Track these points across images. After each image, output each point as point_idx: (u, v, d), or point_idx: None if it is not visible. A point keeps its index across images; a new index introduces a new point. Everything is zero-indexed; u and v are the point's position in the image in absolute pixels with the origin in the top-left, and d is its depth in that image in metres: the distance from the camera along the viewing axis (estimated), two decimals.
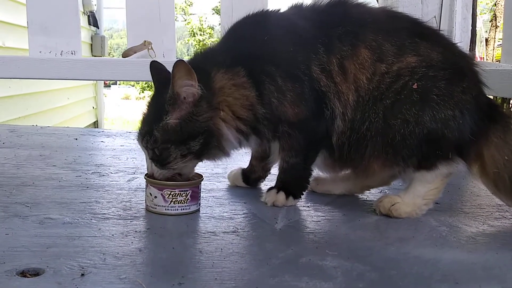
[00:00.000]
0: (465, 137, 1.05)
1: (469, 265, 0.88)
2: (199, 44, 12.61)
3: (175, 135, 1.04)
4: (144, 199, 1.11)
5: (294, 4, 1.20)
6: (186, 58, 1.16)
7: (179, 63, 1.02)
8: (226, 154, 1.12)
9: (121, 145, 1.93)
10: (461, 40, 1.80)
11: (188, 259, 0.85)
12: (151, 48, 1.77)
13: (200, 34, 12.89)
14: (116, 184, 1.32)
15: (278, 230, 1.01)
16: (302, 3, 1.20)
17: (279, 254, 0.88)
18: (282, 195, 1.14)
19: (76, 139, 2.01)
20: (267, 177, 1.33)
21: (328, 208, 1.17)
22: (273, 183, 1.21)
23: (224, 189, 1.30)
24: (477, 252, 0.94)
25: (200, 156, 1.08)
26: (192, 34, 13.14)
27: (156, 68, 1.13)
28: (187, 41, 14.36)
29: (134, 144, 1.97)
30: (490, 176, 1.08)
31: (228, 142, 1.09)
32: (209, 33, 12.89)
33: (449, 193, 1.30)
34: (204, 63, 1.11)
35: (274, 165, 1.27)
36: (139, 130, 1.10)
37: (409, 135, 1.04)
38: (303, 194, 1.18)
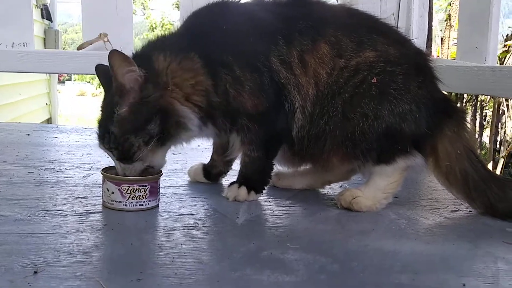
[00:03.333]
0: (421, 131, 1.07)
1: (427, 256, 0.89)
2: None
3: (130, 123, 1.02)
4: (101, 195, 1.08)
5: None
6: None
7: (112, 53, 1.00)
8: (189, 130, 1.07)
9: (76, 141, 1.87)
10: (418, 37, 1.84)
11: (147, 255, 0.83)
12: (107, 40, 1.72)
13: (160, 30, 12.70)
14: (71, 180, 1.28)
15: (239, 225, 1.00)
16: None
17: (240, 248, 0.87)
18: (243, 190, 1.13)
19: (29, 134, 1.93)
20: (228, 172, 1.32)
21: (289, 203, 1.17)
22: (234, 178, 1.19)
23: (184, 185, 1.28)
24: (435, 243, 0.96)
25: (164, 140, 1.05)
26: (152, 29, 12.93)
27: (101, 70, 1.11)
28: (145, 36, 14.14)
29: (90, 139, 1.92)
30: (443, 169, 1.11)
31: (186, 118, 1.06)
32: (169, 29, 12.72)
33: (407, 187, 1.32)
34: (148, 49, 1.10)
35: (235, 160, 1.26)
36: (98, 134, 1.06)
37: (368, 129, 1.05)
38: (264, 189, 1.17)
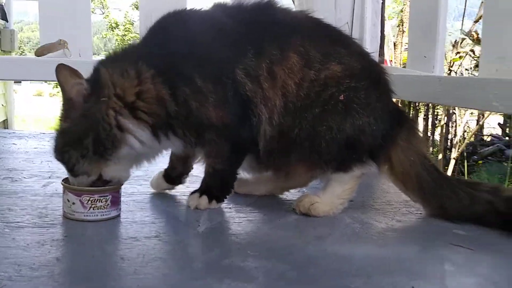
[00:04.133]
0: (377, 142, 1.13)
1: (380, 259, 0.94)
2: (118, 39, 12.23)
3: (69, 137, 1.04)
4: (62, 205, 1.08)
5: (217, 3, 1.20)
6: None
7: (60, 67, 1.01)
8: (134, 147, 1.06)
9: (35, 148, 1.85)
10: (371, 45, 1.91)
11: (109, 267, 0.84)
12: (67, 47, 1.70)
13: (120, 29, 12.48)
14: (31, 189, 1.27)
15: (200, 233, 1.02)
16: (226, 3, 1.21)
17: (201, 257, 0.89)
18: (204, 199, 1.15)
19: None
20: (190, 172, 1.31)
21: (249, 209, 1.20)
22: (197, 179, 1.21)
23: (145, 193, 1.29)
24: (387, 246, 1.01)
25: (104, 154, 1.04)
26: (111, 28, 12.70)
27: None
28: (104, 36, 13.87)
29: (48, 146, 1.88)
30: (399, 176, 1.17)
31: (128, 131, 1.05)
32: (129, 28, 12.52)
33: (361, 191, 1.37)
34: (100, 61, 1.11)
35: (196, 161, 1.27)
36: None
37: (332, 140, 1.10)
38: (226, 197, 1.19)
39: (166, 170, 1.28)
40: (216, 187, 1.17)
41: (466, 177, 6.39)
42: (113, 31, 12.58)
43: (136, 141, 1.06)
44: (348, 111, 1.10)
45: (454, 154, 3.70)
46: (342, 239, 1.04)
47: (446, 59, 4.56)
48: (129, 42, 12.33)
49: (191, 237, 1.01)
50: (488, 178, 7.44)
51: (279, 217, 1.16)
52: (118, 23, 12.36)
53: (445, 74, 3.80)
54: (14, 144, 1.89)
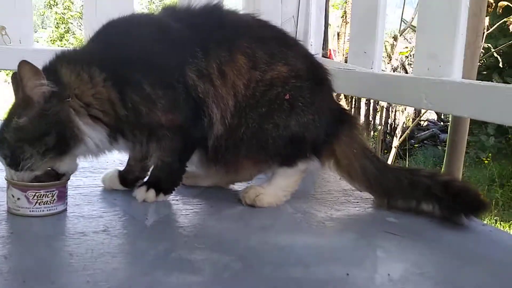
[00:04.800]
0: (320, 138, 1.21)
1: (317, 248, 1.01)
2: (57, 18, 11.71)
3: (27, 133, 1.03)
4: (6, 200, 1.07)
5: (166, 6, 1.22)
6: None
7: (23, 64, 1.01)
8: (87, 144, 1.09)
9: None
10: (315, 39, 1.98)
11: (58, 263, 0.86)
12: (5, 33, 1.65)
13: (59, 7, 11.95)
14: None
15: (148, 227, 1.05)
16: (175, 7, 1.22)
17: (150, 251, 0.92)
18: (152, 192, 1.17)
19: None
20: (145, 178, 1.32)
21: (196, 201, 1.23)
22: None
23: (92, 185, 1.29)
24: (324, 236, 1.08)
25: (64, 151, 1.06)
26: (49, 6, 12.14)
27: (15, 78, 1.09)
28: (42, 13, 13.24)
29: None
30: (344, 168, 1.25)
31: (83, 131, 1.07)
32: (68, 6, 12.01)
33: (304, 180, 1.44)
34: (55, 62, 1.11)
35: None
36: None
37: (278, 137, 1.16)
38: (174, 190, 1.22)
39: (121, 172, 1.29)
40: (164, 180, 1.20)
41: (406, 160, 6.71)
42: (51, 8, 12.04)
43: (92, 141, 1.09)
44: (293, 109, 1.16)
45: (396, 142, 3.88)
46: (284, 229, 1.10)
47: (392, 53, 4.74)
48: (69, 21, 11.89)
49: (139, 230, 1.03)
50: (424, 161, 7.83)
51: (225, 208, 1.20)
52: (57, 1, 11.83)
53: (388, 69, 3.98)
54: None
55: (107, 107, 1.08)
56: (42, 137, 1.03)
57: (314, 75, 1.23)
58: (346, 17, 4.17)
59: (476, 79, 1.51)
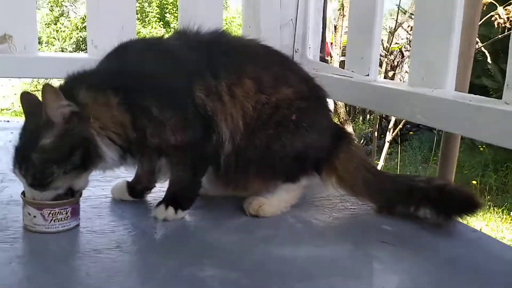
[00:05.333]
0: (322, 155, 1.28)
1: (319, 260, 1.07)
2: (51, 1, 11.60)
3: (54, 153, 1.08)
4: (22, 218, 1.13)
5: (177, 30, 1.27)
6: None
7: (46, 88, 1.06)
8: (105, 162, 1.15)
9: None
10: (313, 41, 2.02)
11: (77, 283, 0.92)
12: (12, 42, 1.69)
13: None
14: None
15: (158, 241, 1.12)
16: (186, 31, 1.28)
17: (161, 268, 0.98)
18: (171, 210, 1.22)
19: None
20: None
21: (201, 213, 1.28)
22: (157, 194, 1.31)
23: (101, 196, 1.35)
24: (325, 247, 1.14)
25: (86, 168, 1.12)
26: None
27: (26, 98, 1.15)
28: None
29: None
30: (346, 183, 1.33)
31: (103, 151, 1.13)
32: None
33: None
34: (72, 84, 1.15)
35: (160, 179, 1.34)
36: (15, 160, 1.11)
37: (284, 157, 1.24)
38: (191, 205, 1.26)
39: (129, 182, 1.34)
40: (180, 196, 1.24)
41: (399, 145, 6.77)
42: None
43: (110, 159, 1.14)
44: (298, 129, 1.24)
45: (389, 137, 3.95)
46: (286, 241, 1.16)
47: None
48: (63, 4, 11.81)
49: (149, 246, 1.10)
50: (419, 146, 7.91)
51: (229, 219, 1.26)
52: None
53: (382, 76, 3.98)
54: None
55: (120, 130, 1.13)
56: (69, 157, 1.08)
57: (315, 97, 1.30)
58: (343, 9, 4.19)
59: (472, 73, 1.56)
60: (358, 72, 1.73)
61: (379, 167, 4.03)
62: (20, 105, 1.16)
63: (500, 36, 3.35)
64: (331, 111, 1.37)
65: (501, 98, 1.16)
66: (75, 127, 1.08)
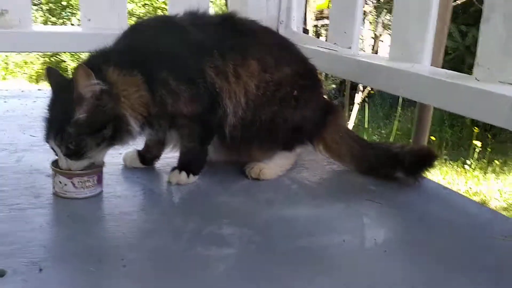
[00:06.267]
0: (315, 127, 1.45)
1: (316, 219, 1.23)
2: None
3: (88, 127, 1.19)
4: (52, 185, 1.25)
5: (187, 11, 1.38)
6: None
7: (79, 67, 1.17)
8: (133, 137, 1.28)
9: None
10: (297, 15, 2.14)
11: (118, 242, 1.05)
12: (8, 17, 1.74)
13: None
14: (7, 166, 1.40)
15: (176, 204, 1.26)
16: (196, 12, 1.38)
17: (185, 228, 1.13)
18: (184, 175, 1.36)
19: None
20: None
21: (208, 177, 1.42)
22: (165, 161, 1.44)
23: (114, 164, 1.46)
24: (320, 207, 1.31)
25: (112, 142, 1.24)
26: None
27: (52, 73, 1.25)
28: None
29: None
30: (333, 150, 1.51)
31: (132, 126, 1.25)
32: None
33: None
34: (100, 62, 1.25)
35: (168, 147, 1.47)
36: (48, 131, 1.21)
37: (285, 129, 1.40)
38: (201, 171, 1.40)
39: (140, 151, 1.47)
40: (191, 163, 1.38)
41: (366, 104, 7.03)
42: None
43: (134, 132, 1.26)
44: (298, 104, 1.39)
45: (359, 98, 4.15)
46: (286, 202, 1.33)
47: None
48: None
49: (171, 208, 1.24)
50: (381, 103, 8.21)
51: (233, 183, 1.41)
52: None
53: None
54: None
55: (145, 107, 1.26)
56: (101, 130, 1.20)
57: (310, 75, 1.46)
58: None
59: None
60: (340, 45, 1.88)
61: (350, 125, 4.26)
62: (47, 78, 1.25)
63: None
64: (322, 88, 1.52)
65: (459, 58, 1.33)
66: (105, 104, 1.20)
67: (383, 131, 7.51)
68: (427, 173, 1.45)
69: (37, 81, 11.00)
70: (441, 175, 5.70)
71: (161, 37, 1.31)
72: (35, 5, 11.84)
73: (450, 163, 6.09)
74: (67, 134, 1.18)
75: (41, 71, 11.54)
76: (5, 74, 11.16)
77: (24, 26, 1.83)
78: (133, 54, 1.28)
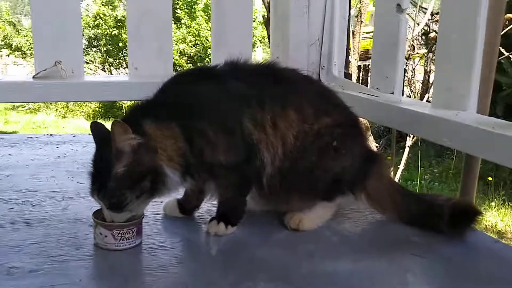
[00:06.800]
0: (356, 177, 1.42)
1: (357, 275, 1.19)
2: None
3: (126, 181, 1.22)
4: (93, 236, 1.27)
5: (228, 61, 1.41)
6: None
7: (115, 123, 1.20)
8: (169, 189, 1.30)
9: (32, 159, 1.99)
10: (338, 58, 2.14)
11: None
12: (62, 68, 1.83)
13: None
14: (53, 215, 1.44)
15: (214, 257, 1.26)
16: (236, 61, 1.41)
17: (223, 282, 1.12)
18: (222, 225, 1.36)
19: None
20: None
21: (247, 228, 1.41)
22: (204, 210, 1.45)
23: (154, 213, 1.49)
24: (361, 261, 1.26)
25: (152, 194, 1.26)
26: None
27: (96, 128, 1.29)
28: None
29: (43, 155, 2.04)
30: (375, 200, 1.47)
31: (169, 178, 1.27)
32: None
33: None
34: (138, 116, 1.29)
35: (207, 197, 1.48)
36: (92, 185, 1.25)
37: (324, 179, 1.38)
38: (239, 222, 1.40)
39: (179, 201, 1.49)
40: (229, 214, 1.38)
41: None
42: None
43: (173, 184, 1.29)
44: (338, 155, 1.38)
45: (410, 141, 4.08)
46: (327, 255, 1.29)
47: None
48: None
49: (208, 261, 1.23)
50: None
51: (272, 234, 1.40)
52: None
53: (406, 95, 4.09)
54: (10, 155, 2.02)
55: (183, 158, 1.27)
56: (139, 183, 1.23)
57: (351, 123, 1.44)
58: (360, 16, 4.30)
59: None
60: (382, 90, 1.85)
61: (399, 171, 4.16)
62: (91, 133, 1.30)
63: None
64: (365, 136, 1.49)
65: None
66: (143, 156, 1.23)
67: (435, 170, 7.28)
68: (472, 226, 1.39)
69: (93, 119, 11.55)
70: (499, 216, 5.42)
71: (199, 89, 1.34)
72: (94, 47, 12.61)
73: (509, 204, 5.78)
74: (108, 188, 1.21)
75: (97, 109, 12.13)
76: (65, 113, 11.82)
77: (77, 77, 1.92)
78: (171, 106, 1.30)
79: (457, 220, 1.37)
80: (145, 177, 1.23)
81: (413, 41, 4.25)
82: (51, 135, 2.47)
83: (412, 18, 4.54)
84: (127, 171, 1.22)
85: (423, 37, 4.41)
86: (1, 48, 12.17)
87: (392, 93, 1.82)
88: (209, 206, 1.51)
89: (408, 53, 4.29)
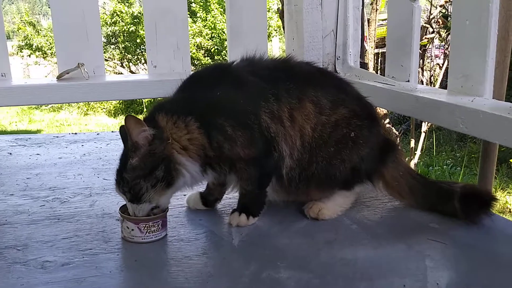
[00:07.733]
0: (373, 166, 1.45)
1: (376, 261, 1.22)
2: None
3: (140, 170, 1.27)
4: (120, 230, 1.33)
5: (244, 58, 1.45)
6: None
7: (128, 117, 1.25)
8: (186, 179, 1.33)
9: (59, 157, 2.06)
10: (353, 48, 2.16)
11: (185, 285, 1.10)
12: (85, 69, 1.89)
13: None
14: (81, 211, 1.51)
15: (236, 247, 1.30)
16: (253, 58, 1.45)
17: (245, 271, 1.16)
18: (244, 217, 1.41)
19: (10, 153, 2.08)
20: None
21: (267, 218, 1.46)
22: (226, 202, 1.49)
23: (177, 206, 1.54)
24: (380, 248, 1.29)
25: (168, 184, 1.30)
26: None
27: (122, 130, 1.33)
28: None
29: (69, 153, 2.12)
30: (394, 188, 1.50)
31: (181, 165, 1.31)
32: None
33: None
34: (154, 111, 1.35)
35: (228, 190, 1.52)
36: (116, 181, 1.31)
37: (343, 170, 1.41)
38: (260, 213, 1.44)
39: (202, 193, 1.54)
40: (250, 205, 1.43)
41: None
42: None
43: (189, 174, 1.33)
44: (356, 145, 1.41)
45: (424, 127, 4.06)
46: (346, 243, 1.32)
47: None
48: None
49: (230, 252, 1.28)
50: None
51: (292, 223, 1.44)
52: None
53: (420, 84, 4.11)
54: (38, 154, 2.10)
55: (200, 149, 1.32)
56: (152, 172, 1.27)
57: (367, 114, 1.46)
58: (376, 3, 4.28)
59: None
60: (398, 78, 1.86)
61: (416, 157, 4.15)
62: (120, 136, 1.36)
63: None
64: (381, 126, 1.52)
65: None
66: (156, 146, 1.28)
67: (457, 154, 7.20)
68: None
69: (114, 116, 11.72)
70: None
71: (217, 86, 1.37)
72: (112, 44, 12.77)
73: None
74: (125, 180, 1.27)
75: (118, 105, 12.30)
76: (87, 110, 12.02)
77: (98, 77, 1.98)
78: (188, 102, 1.35)
79: (471, 205, 1.39)
80: (158, 166, 1.27)
81: (430, 24, 4.20)
82: (75, 133, 2.55)
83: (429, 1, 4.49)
84: (140, 160, 1.27)
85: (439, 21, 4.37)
86: (22, 49, 12.41)
87: (408, 81, 1.83)
88: (230, 198, 1.56)
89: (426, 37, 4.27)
